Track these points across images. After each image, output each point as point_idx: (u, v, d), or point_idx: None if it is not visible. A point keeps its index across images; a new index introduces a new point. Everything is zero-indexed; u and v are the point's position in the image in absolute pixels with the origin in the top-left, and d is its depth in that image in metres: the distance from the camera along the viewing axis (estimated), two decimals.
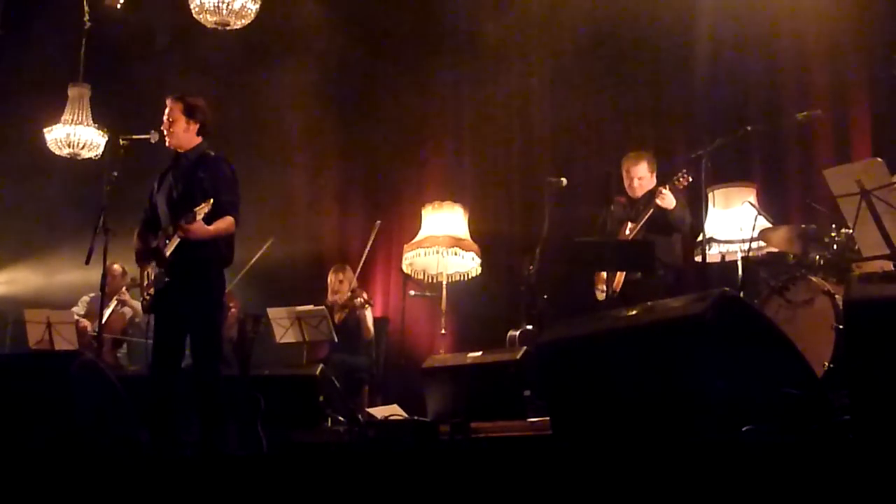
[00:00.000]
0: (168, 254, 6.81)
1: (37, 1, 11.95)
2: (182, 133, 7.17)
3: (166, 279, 6.85)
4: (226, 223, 6.87)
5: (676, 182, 8.24)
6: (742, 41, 9.20)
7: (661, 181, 8.39)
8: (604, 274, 8.48)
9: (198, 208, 6.66)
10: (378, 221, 10.07)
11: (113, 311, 10.21)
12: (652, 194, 8.45)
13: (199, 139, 7.22)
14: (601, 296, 8.47)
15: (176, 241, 6.78)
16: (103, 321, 9.85)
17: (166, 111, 7.20)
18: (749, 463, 3.85)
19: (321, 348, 9.72)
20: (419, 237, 9.97)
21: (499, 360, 7.90)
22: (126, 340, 10.34)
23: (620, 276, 8.31)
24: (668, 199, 8.23)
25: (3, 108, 11.74)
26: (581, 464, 4.43)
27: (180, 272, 6.83)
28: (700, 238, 8.12)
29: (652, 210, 8.32)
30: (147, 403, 6.84)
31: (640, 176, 8.61)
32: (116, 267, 10.06)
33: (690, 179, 8.22)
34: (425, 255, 9.89)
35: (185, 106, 7.17)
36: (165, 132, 7.21)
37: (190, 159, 7.16)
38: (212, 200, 6.70)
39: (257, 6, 8.78)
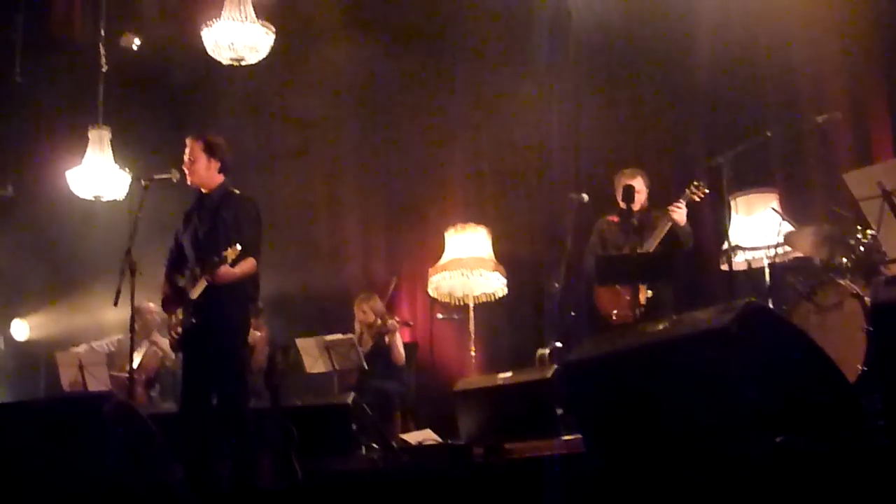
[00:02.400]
0: (195, 297, 6.88)
1: (53, 46, 12.03)
2: (203, 172, 7.24)
3: (193, 320, 6.91)
4: (249, 265, 6.98)
5: (692, 195, 8.23)
6: (758, 46, 9.18)
7: (675, 195, 8.39)
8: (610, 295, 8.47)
9: (225, 253, 6.72)
10: (395, 277, 10.12)
11: (146, 351, 10.26)
12: (649, 211, 8.49)
13: (222, 177, 7.28)
14: (621, 313, 8.41)
15: (203, 284, 6.85)
16: (138, 362, 9.96)
17: (187, 150, 7.26)
18: (783, 473, 3.84)
19: (352, 376, 9.72)
20: (444, 260, 9.98)
21: (529, 380, 7.89)
22: (158, 380, 10.37)
23: (643, 295, 8.28)
24: (681, 214, 8.23)
25: (25, 153, 11.83)
26: (615, 480, 4.43)
27: (207, 312, 6.89)
28: (725, 246, 8.12)
29: (669, 226, 8.31)
30: (180, 440, 6.90)
31: (639, 189, 8.62)
32: (152, 305, 10.12)
33: (707, 191, 8.21)
34: (451, 277, 9.89)
35: (206, 144, 7.24)
36: (186, 171, 7.28)
37: (214, 199, 7.23)
38: (239, 247, 6.76)
39: (272, 39, 8.81)
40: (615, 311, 8.42)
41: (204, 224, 7.20)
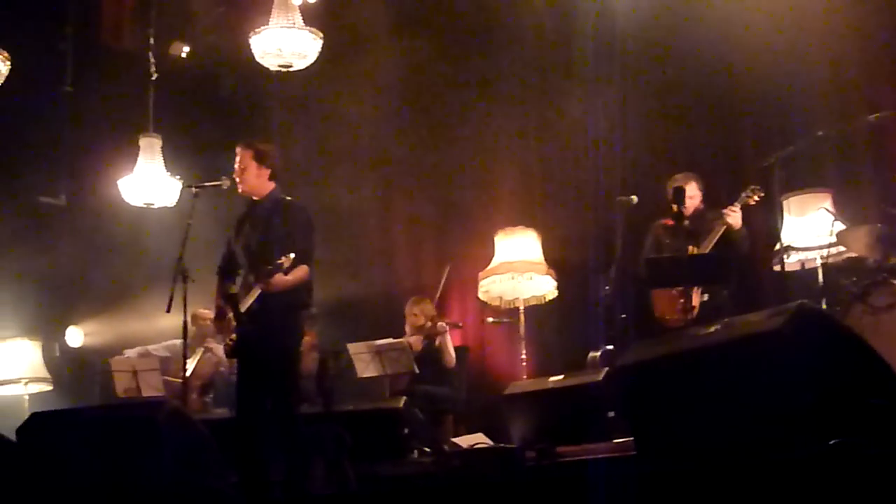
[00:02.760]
0: (247, 306, 6.93)
1: (103, 56, 12.14)
2: (254, 179, 7.29)
3: (247, 327, 6.96)
4: (302, 272, 7.03)
5: (748, 198, 8.18)
6: (809, 45, 9.08)
7: (731, 199, 8.35)
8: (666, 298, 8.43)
9: (279, 261, 6.77)
10: (448, 264, 10.11)
11: (201, 357, 10.33)
12: (702, 214, 8.46)
13: (272, 185, 7.34)
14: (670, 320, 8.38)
15: (257, 292, 6.90)
16: (193, 368, 10.04)
17: (237, 159, 7.32)
18: (837, 476, 3.81)
19: (403, 380, 9.73)
20: (493, 264, 9.97)
21: (581, 383, 7.89)
22: (213, 387, 10.43)
23: (697, 300, 8.24)
24: (737, 218, 8.19)
25: (76, 162, 11.94)
26: (666, 484, 4.42)
27: (261, 319, 6.94)
28: (778, 247, 8.07)
29: (724, 229, 8.28)
30: (234, 446, 6.94)
31: (692, 195, 8.59)
32: (208, 312, 10.19)
33: (762, 194, 8.17)
34: (500, 281, 9.90)
35: (255, 152, 7.30)
36: (237, 179, 7.33)
37: (265, 207, 7.29)
38: (293, 256, 6.81)
39: (319, 45, 8.84)
40: (669, 315, 8.38)
41: (256, 232, 7.26)
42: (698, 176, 8.82)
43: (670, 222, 8.62)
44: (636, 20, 9.90)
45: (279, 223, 7.19)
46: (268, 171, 7.33)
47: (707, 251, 8.33)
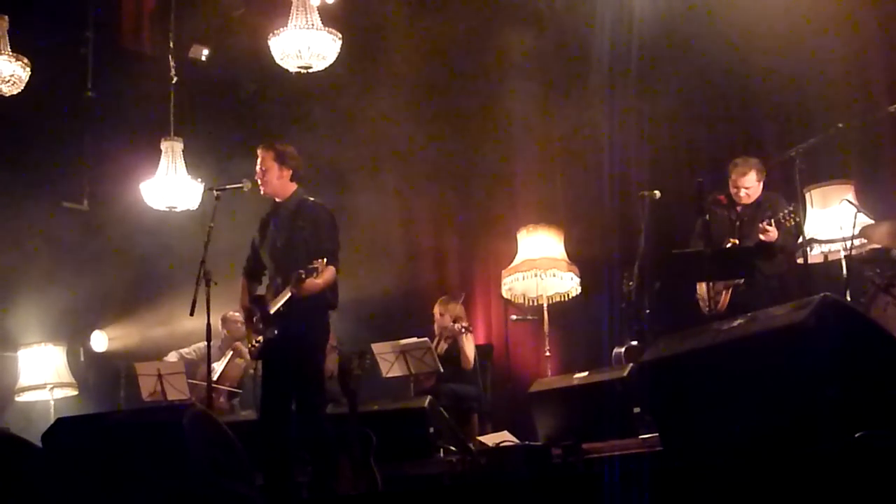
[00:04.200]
0: (275, 308, 6.95)
1: (124, 61, 12.18)
2: (276, 181, 7.31)
3: (275, 330, 6.97)
4: (330, 274, 7.05)
5: (783, 220, 8.12)
6: (829, 36, 9.04)
7: (767, 218, 8.25)
8: (704, 288, 8.38)
9: (311, 267, 6.77)
10: (462, 294, 10.14)
11: (230, 361, 10.36)
12: (758, 205, 8.40)
13: (295, 185, 7.36)
14: (705, 308, 8.36)
15: (286, 295, 6.90)
16: (222, 371, 10.06)
17: (258, 161, 7.34)
18: (865, 469, 3.79)
19: (428, 379, 9.72)
20: (516, 261, 9.98)
21: (606, 379, 7.85)
22: (238, 393, 10.46)
23: (727, 292, 8.21)
24: (772, 234, 8.14)
25: (98, 167, 11.97)
26: (692, 478, 4.40)
27: (288, 321, 6.95)
28: (801, 240, 8.04)
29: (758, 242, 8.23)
30: (260, 448, 6.96)
31: (748, 186, 8.50)
32: (238, 315, 10.22)
33: (798, 219, 8.08)
34: (524, 278, 9.90)
35: (276, 153, 7.32)
36: (259, 181, 7.35)
37: (289, 208, 7.30)
38: (324, 260, 6.82)
39: (339, 46, 8.85)
40: (708, 305, 8.35)
41: (282, 233, 7.28)
42: (759, 163, 8.64)
43: (723, 199, 8.53)
44: (656, 15, 9.88)
45: (303, 224, 7.22)
46: (289, 172, 7.34)
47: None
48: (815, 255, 8.25)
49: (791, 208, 8.12)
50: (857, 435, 4.23)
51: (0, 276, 11.10)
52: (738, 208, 8.50)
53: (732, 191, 8.50)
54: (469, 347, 9.60)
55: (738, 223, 8.43)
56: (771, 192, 8.55)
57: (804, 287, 7.79)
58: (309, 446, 7.06)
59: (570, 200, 10.86)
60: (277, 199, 7.41)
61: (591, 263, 10.09)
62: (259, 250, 7.44)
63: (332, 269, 7.08)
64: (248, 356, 10.06)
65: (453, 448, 8.35)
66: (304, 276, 6.83)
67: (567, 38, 10.58)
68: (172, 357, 10.57)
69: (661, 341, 5.74)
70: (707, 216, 8.23)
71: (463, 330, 9.53)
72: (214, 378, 9.39)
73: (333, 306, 7.32)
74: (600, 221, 10.57)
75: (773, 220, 8.12)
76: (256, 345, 7.22)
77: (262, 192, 7.45)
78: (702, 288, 8.43)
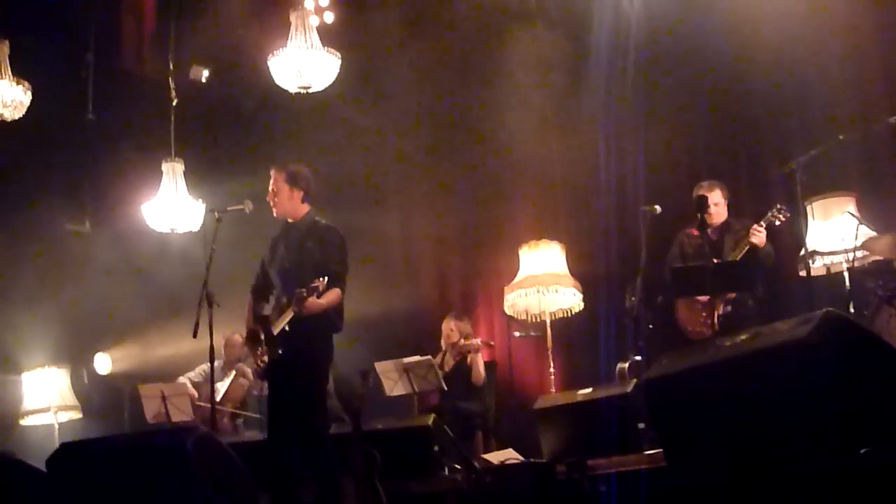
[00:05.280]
0: (279, 328, 6.95)
1: (124, 83, 12.20)
2: (287, 202, 7.33)
3: (279, 350, 6.97)
4: (335, 295, 7.06)
5: (774, 219, 8.15)
6: (827, 48, 9.03)
7: (758, 217, 8.32)
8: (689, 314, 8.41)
9: (312, 286, 6.79)
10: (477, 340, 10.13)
11: (233, 381, 10.35)
12: (728, 225, 8.46)
13: (307, 206, 7.38)
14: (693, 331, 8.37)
15: (289, 315, 6.91)
16: (224, 392, 10.06)
17: (270, 181, 7.34)
18: (869, 485, 3.78)
19: (432, 397, 9.72)
20: (519, 278, 9.97)
21: (610, 395, 7.85)
22: (242, 414, 10.44)
23: (720, 309, 8.22)
24: (761, 237, 8.18)
25: (100, 189, 11.98)
26: (697, 495, 4.40)
27: (292, 342, 6.95)
28: (803, 252, 8.04)
29: (747, 248, 8.26)
30: (265, 469, 6.95)
31: (716, 202, 8.61)
32: (237, 337, 10.23)
33: (788, 215, 8.14)
34: (526, 295, 9.90)
35: (288, 175, 7.34)
36: (271, 202, 7.37)
37: (300, 229, 7.32)
38: (326, 279, 6.83)
39: (338, 65, 8.87)
40: (692, 326, 8.38)
41: (290, 254, 7.30)
42: (723, 184, 8.80)
43: (695, 232, 8.59)
44: (653, 28, 9.87)
45: (313, 246, 7.23)
46: (300, 193, 7.36)
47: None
48: (817, 267, 8.25)
49: (779, 207, 8.16)
50: (862, 451, 4.22)
51: (3, 299, 11.10)
52: (709, 231, 8.46)
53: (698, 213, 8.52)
54: (482, 362, 9.60)
55: (711, 246, 8.40)
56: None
57: (808, 300, 7.78)
58: (313, 467, 7.04)
59: (571, 216, 10.85)
60: (289, 220, 7.42)
61: (594, 279, 10.07)
62: (268, 270, 7.46)
63: (337, 291, 7.09)
64: (251, 377, 10.07)
65: (458, 466, 8.34)
66: (305, 294, 6.84)
67: (565, 56, 10.55)
68: (185, 379, 10.56)
69: (663, 357, 5.75)
70: (683, 240, 8.35)
71: (480, 346, 9.54)
72: (218, 399, 9.37)
73: (338, 329, 7.31)
74: (602, 237, 10.55)
75: (763, 222, 8.18)
76: (261, 365, 7.23)
77: (274, 213, 7.46)
78: (683, 312, 8.46)
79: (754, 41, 9.23)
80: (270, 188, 7.40)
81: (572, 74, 10.54)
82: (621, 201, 10.39)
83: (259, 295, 7.53)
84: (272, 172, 7.42)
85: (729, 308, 8.30)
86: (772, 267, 8.52)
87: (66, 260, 11.58)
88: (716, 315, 8.13)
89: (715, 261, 8.24)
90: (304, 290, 6.87)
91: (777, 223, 8.34)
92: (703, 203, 8.28)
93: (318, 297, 6.93)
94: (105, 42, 12.23)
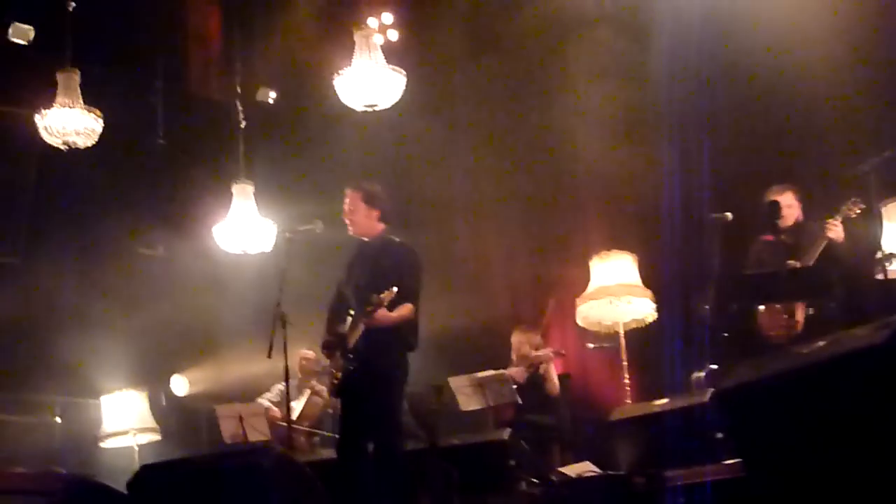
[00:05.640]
0: (352, 343, 6.97)
1: (192, 107, 12.35)
2: (363, 221, 7.36)
3: (352, 366, 6.99)
4: (407, 310, 7.05)
5: (848, 212, 8.06)
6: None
7: (831, 212, 8.22)
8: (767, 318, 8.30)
9: (381, 296, 6.80)
10: (552, 299, 10.07)
11: (308, 399, 10.40)
12: (802, 226, 8.33)
13: (382, 226, 7.41)
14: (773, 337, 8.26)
15: (360, 329, 6.93)
16: (299, 411, 10.11)
17: (346, 201, 7.37)
18: None
19: (507, 411, 9.69)
20: (590, 289, 9.92)
21: (686, 405, 7.77)
22: (317, 433, 10.48)
23: (802, 316, 8.11)
24: (839, 231, 8.07)
25: (172, 213, 12.12)
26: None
27: (365, 358, 6.97)
28: (879, 255, 7.93)
29: (825, 243, 8.15)
30: (338, 487, 6.96)
31: (789, 204, 8.49)
32: (311, 353, 10.29)
33: (862, 206, 8.04)
34: (598, 306, 9.84)
35: (365, 194, 7.36)
36: (347, 221, 7.38)
37: (374, 248, 7.34)
38: (395, 289, 6.83)
39: (403, 82, 8.90)
40: (773, 331, 8.26)
41: (365, 272, 7.31)
42: (795, 186, 8.69)
43: (770, 237, 8.50)
44: (715, 33, 9.79)
45: (387, 264, 7.23)
46: (377, 213, 7.39)
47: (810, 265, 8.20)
48: (894, 269, 8.12)
49: (854, 199, 8.05)
50: None
51: (80, 324, 11.25)
52: (784, 235, 8.38)
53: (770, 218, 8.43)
54: (555, 373, 9.57)
55: (787, 250, 8.30)
56: None
57: (886, 304, 7.66)
58: (387, 485, 7.03)
59: (641, 225, 10.76)
60: (364, 239, 7.44)
61: (666, 288, 9.99)
62: (344, 289, 7.47)
63: (409, 306, 7.08)
64: (325, 395, 10.12)
65: (535, 480, 8.31)
66: (374, 305, 6.85)
67: (630, 65, 10.50)
68: (265, 400, 10.63)
69: (739, 366, 5.69)
70: (758, 247, 8.25)
71: (552, 356, 9.51)
72: (293, 418, 9.42)
73: (412, 347, 7.29)
74: (673, 245, 10.46)
75: (838, 216, 8.08)
76: (336, 382, 7.26)
77: (350, 233, 7.49)
78: (764, 318, 8.36)
79: (822, 44, 9.12)
80: (346, 207, 7.43)
81: (637, 83, 10.49)
82: (691, 209, 10.31)
83: (335, 315, 7.55)
84: (348, 191, 7.44)
85: (811, 311, 8.16)
86: (851, 267, 8.36)
87: (141, 283, 11.72)
88: (800, 316, 8.04)
89: (792, 264, 8.14)
90: (373, 302, 6.88)
91: (852, 216, 8.22)
92: (775, 208, 8.21)
93: (389, 310, 6.93)
94: (172, 68, 12.41)
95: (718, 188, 9.96)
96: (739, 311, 8.63)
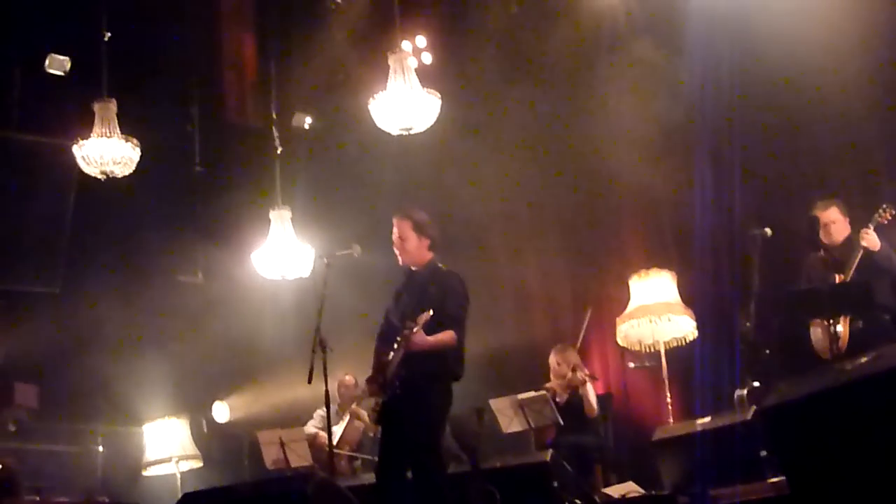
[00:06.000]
0: (394, 367, 6.93)
1: (229, 134, 12.42)
2: (415, 251, 7.29)
3: (393, 394, 6.96)
4: (447, 336, 6.96)
5: (879, 218, 8.00)
6: None
7: (865, 222, 8.16)
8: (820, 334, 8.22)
9: (418, 318, 6.75)
10: (588, 310, 10.03)
11: (348, 424, 10.40)
12: (849, 240, 8.26)
13: (431, 254, 7.32)
14: (825, 353, 8.17)
15: (401, 353, 6.89)
16: (340, 435, 10.11)
17: (395, 231, 7.30)
18: None
19: (548, 432, 9.66)
20: (630, 308, 9.88)
21: (730, 423, 7.73)
22: (358, 456, 10.48)
23: (846, 331, 8.03)
24: (872, 239, 8.00)
25: (210, 239, 12.18)
26: None
27: (407, 385, 6.92)
28: None
29: (861, 253, 8.08)
30: None
31: (834, 220, 8.39)
32: (349, 378, 10.33)
33: (894, 212, 7.98)
34: (639, 325, 9.80)
35: (414, 224, 7.28)
36: (397, 251, 7.32)
37: (422, 276, 7.28)
38: (431, 311, 6.78)
39: (438, 105, 8.89)
40: (822, 347, 8.18)
41: (412, 300, 7.23)
42: (839, 201, 8.59)
43: (820, 253, 8.42)
44: (748, 48, 9.74)
45: (434, 292, 7.13)
46: (427, 241, 7.30)
47: (849, 279, 8.13)
48: None
49: (885, 206, 7.99)
50: None
51: (121, 353, 11.32)
52: (833, 252, 8.31)
53: (821, 232, 8.35)
54: (593, 394, 9.52)
55: (833, 265, 8.23)
56: None
57: None
58: None
59: (680, 243, 10.71)
60: (412, 268, 7.39)
61: (707, 305, 9.93)
62: (392, 317, 7.42)
63: (451, 333, 6.98)
64: (366, 419, 10.12)
65: (578, 501, 8.27)
66: (410, 329, 6.80)
67: (665, 82, 10.46)
68: (311, 428, 10.65)
69: (781, 384, 5.64)
70: (809, 262, 8.18)
71: (587, 379, 9.46)
72: (334, 442, 9.42)
73: (456, 376, 7.18)
74: (713, 262, 10.40)
75: (870, 224, 8.00)
76: (376, 409, 7.21)
77: (399, 262, 7.42)
78: (817, 334, 8.27)
79: (855, 53, 9.07)
80: (396, 236, 7.34)
81: (673, 100, 10.45)
82: (730, 225, 10.25)
83: (384, 342, 7.46)
84: (396, 221, 7.33)
85: (860, 325, 8.07)
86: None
87: (181, 311, 11.76)
88: (843, 331, 7.97)
89: (838, 279, 8.08)
90: (409, 325, 6.83)
91: (885, 222, 8.14)
92: (812, 224, 8.15)
93: (427, 333, 6.87)
94: (209, 95, 12.49)
95: (759, 205, 9.90)
96: (781, 327, 8.58)
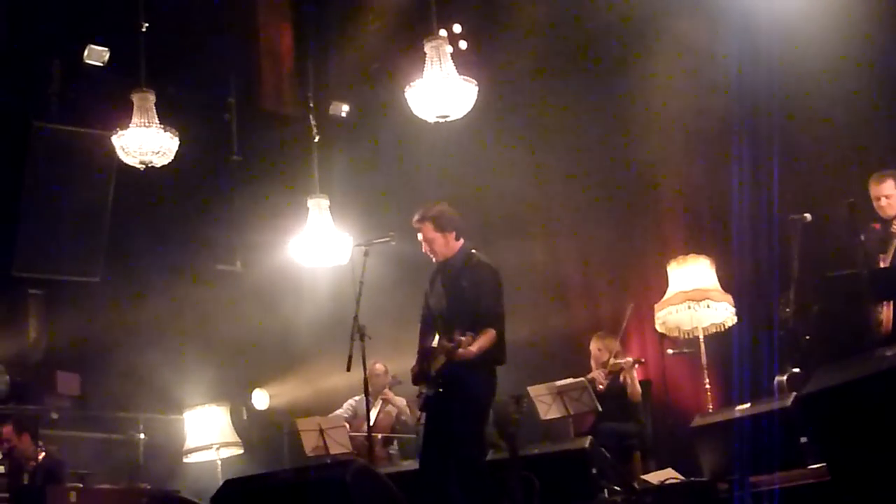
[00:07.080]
0: (435, 371, 6.95)
1: (266, 123, 12.46)
2: (444, 247, 7.30)
3: (439, 389, 6.96)
4: (488, 338, 6.99)
5: None
6: None
7: None
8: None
9: (459, 339, 6.74)
10: (631, 304, 9.99)
11: (380, 410, 10.43)
12: None
13: (461, 242, 7.31)
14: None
15: (441, 361, 6.91)
16: (372, 422, 10.13)
17: (419, 236, 7.31)
18: None
19: (587, 419, 9.64)
20: (668, 294, 9.82)
21: (769, 409, 7.69)
22: (394, 437, 10.52)
23: (889, 315, 7.95)
24: None
25: (248, 228, 12.23)
26: None
27: (450, 380, 6.93)
28: None
29: None
30: (422, 498, 6.95)
31: (887, 194, 8.24)
32: (379, 366, 10.32)
33: None
34: (677, 311, 9.72)
35: (435, 223, 7.27)
36: (428, 254, 7.33)
37: (455, 265, 7.27)
38: (472, 336, 6.80)
39: (475, 93, 8.86)
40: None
41: (446, 292, 7.24)
42: None
43: (877, 225, 8.32)
44: (789, 29, 9.66)
45: (466, 285, 7.14)
46: (453, 233, 7.30)
47: (890, 261, 8.06)
48: None
49: None
50: None
51: (162, 341, 11.41)
52: (889, 226, 8.24)
53: (875, 205, 8.26)
54: (637, 379, 9.50)
55: (881, 241, 8.15)
56: None
57: None
58: (469, 496, 6.99)
59: (718, 229, 10.65)
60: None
61: (746, 291, 9.87)
62: (430, 302, 7.43)
63: (491, 332, 7.01)
64: (397, 403, 10.17)
65: (617, 488, 8.25)
66: (452, 346, 6.81)
67: (702, 68, 10.41)
68: (345, 412, 10.68)
69: (821, 371, 5.62)
70: (862, 237, 8.03)
71: (635, 363, 9.45)
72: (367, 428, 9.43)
73: (500, 361, 7.23)
74: (751, 248, 10.34)
75: None
76: (420, 395, 7.23)
77: (434, 261, 7.42)
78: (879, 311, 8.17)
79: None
80: (422, 241, 7.35)
81: (710, 85, 10.40)
82: (769, 211, 10.19)
83: (427, 325, 7.48)
84: (416, 225, 7.31)
85: None
86: None
87: (221, 299, 11.83)
88: (887, 315, 7.89)
89: (881, 258, 8.00)
90: (452, 343, 6.83)
91: None
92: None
93: (471, 345, 6.87)
94: (246, 84, 12.54)
95: (798, 190, 9.83)
96: (820, 313, 8.52)
